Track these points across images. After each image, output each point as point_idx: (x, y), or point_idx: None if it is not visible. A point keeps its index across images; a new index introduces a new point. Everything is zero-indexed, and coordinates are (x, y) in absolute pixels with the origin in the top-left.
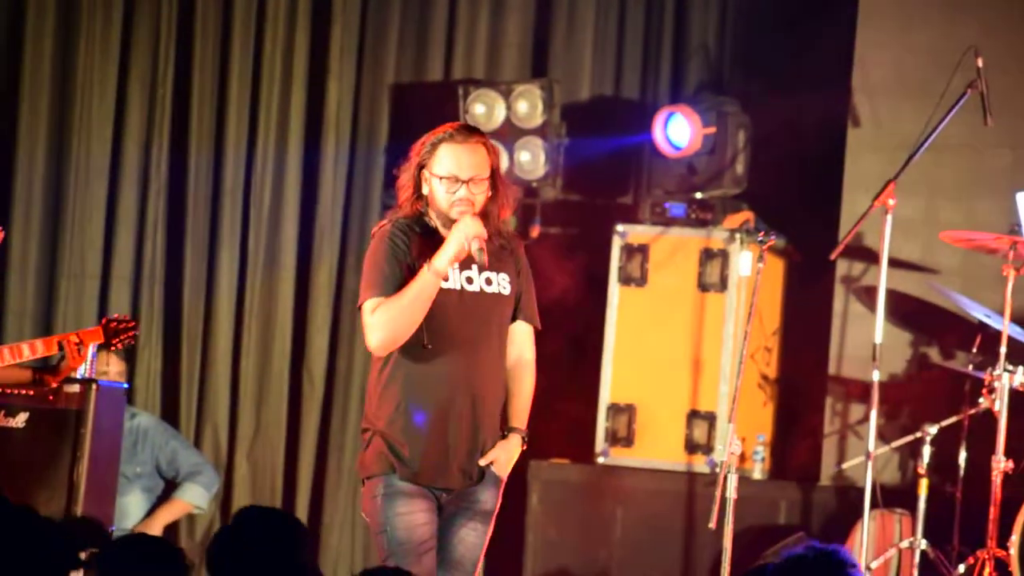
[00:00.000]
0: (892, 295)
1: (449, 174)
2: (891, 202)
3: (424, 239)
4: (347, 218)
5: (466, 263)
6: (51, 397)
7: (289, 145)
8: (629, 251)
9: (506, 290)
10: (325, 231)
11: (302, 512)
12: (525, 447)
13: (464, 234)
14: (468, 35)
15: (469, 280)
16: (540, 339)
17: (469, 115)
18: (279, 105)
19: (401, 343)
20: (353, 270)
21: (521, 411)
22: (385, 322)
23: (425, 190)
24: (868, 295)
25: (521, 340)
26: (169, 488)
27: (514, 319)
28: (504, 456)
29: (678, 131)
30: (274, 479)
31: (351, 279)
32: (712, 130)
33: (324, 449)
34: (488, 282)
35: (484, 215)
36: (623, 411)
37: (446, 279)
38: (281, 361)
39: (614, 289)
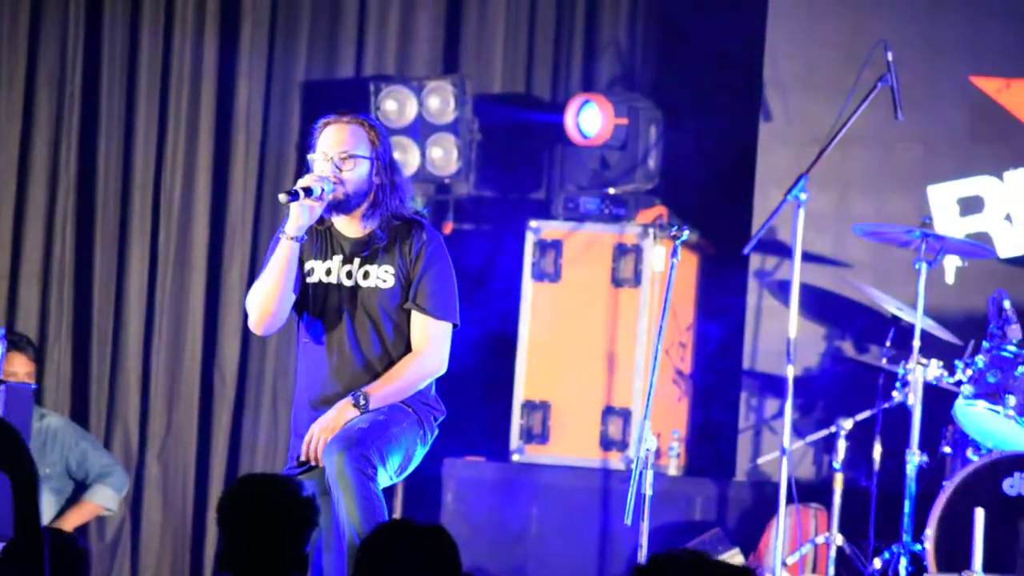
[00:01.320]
0: (805, 289)
1: (319, 152)
2: (803, 196)
3: (317, 231)
4: (258, 216)
5: (345, 258)
6: None
7: (199, 143)
8: (542, 247)
9: (386, 282)
10: (236, 229)
11: (214, 514)
12: (360, 409)
13: (299, 187)
14: (379, 30)
15: (348, 275)
16: (454, 335)
17: (381, 112)
18: (189, 103)
19: (272, 316)
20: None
21: (377, 382)
22: (251, 297)
23: None
24: (781, 289)
25: (414, 331)
26: (79, 490)
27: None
28: (314, 436)
29: (590, 120)
30: (185, 480)
31: None
32: (624, 121)
33: (236, 449)
34: (366, 276)
35: (374, 204)
36: (538, 408)
37: (324, 276)
38: (192, 360)
39: (527, 285)
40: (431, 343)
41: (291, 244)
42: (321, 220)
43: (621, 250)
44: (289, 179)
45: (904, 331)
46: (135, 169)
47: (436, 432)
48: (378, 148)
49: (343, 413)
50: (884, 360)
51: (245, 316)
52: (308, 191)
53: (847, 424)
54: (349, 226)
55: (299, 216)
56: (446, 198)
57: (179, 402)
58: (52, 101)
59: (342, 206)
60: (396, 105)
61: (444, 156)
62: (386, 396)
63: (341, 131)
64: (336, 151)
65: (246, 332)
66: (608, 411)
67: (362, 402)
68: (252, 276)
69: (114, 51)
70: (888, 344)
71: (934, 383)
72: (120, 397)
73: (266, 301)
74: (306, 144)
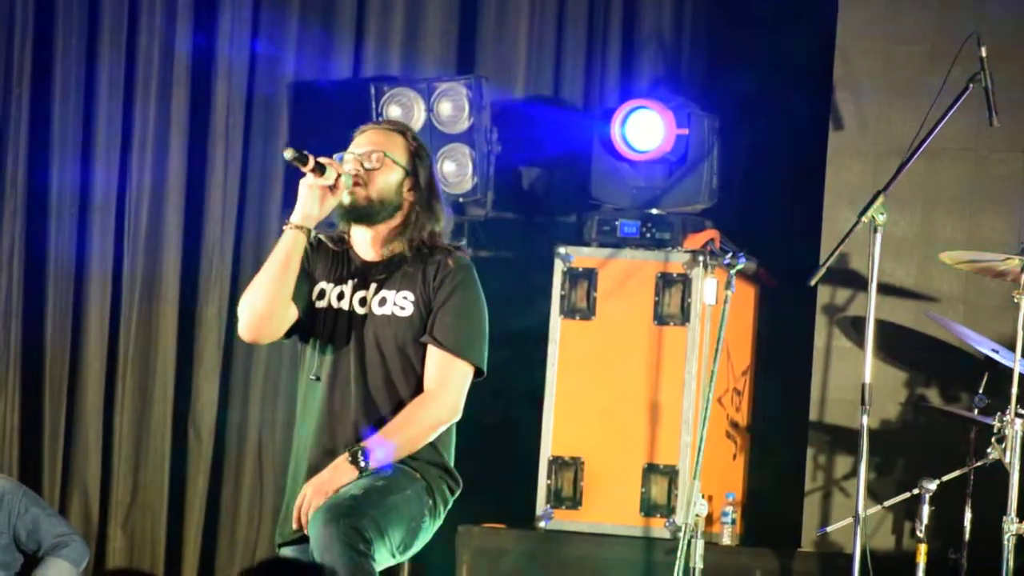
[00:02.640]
0: (883, 326)
1: (348, 153)
2: (880, 217)
3: (333, 252)
4: (239, 242)
5: (361, 282)
6: None
7: (171, 154)
8: (573, 277)
9: (404, 311)
10: (213, 258)
11: None
12: (359, 468)
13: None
14: (381, 23)
15: (362, 302)
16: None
17: (383, 118)
18: (158, 107)
19: (262, 319)
20: None
21: (380, 433)
22: (244, 296)
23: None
24: (855, 327)
25: (428, 368)
26: (29, 564)
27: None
28: (307, 499)
29: (643, 130)
30: (155, 553)
31: None
32: (685, 131)
33: (214, 518)
34: (382, 302)
35: (404, 224)
36: (568, 466)
37: (336, 301)
38: (162, 412)
39: (556, 322)
40: (445, 384)
41: (296, 234)
42: (340, 239)
43: (666, 281)
44: (276, 196)
45: (1000, 376)
46: (94, 187)
47: (449, 506)
48: (416, 162)
49: (339, 473)
50: (976, 411)
51: (225, 359)
52: (320, 166)
53: (932, 486)
54: (370, 247)
55: (306, 201)
56: (460, 220)
57: (147, 462)
58: None
59: (363, 213)
60: (401, 111)
61: (457, 171)
62: (393, 451)
63: (376, 133)
64: (366, 149)
65: (226, 378)
66: (650, 470)
67: (360, 460)
68: (233, 312)
69: (69, 48)
70: (981, 391)
71: None
72: (78, 456)
73: (260, 300)
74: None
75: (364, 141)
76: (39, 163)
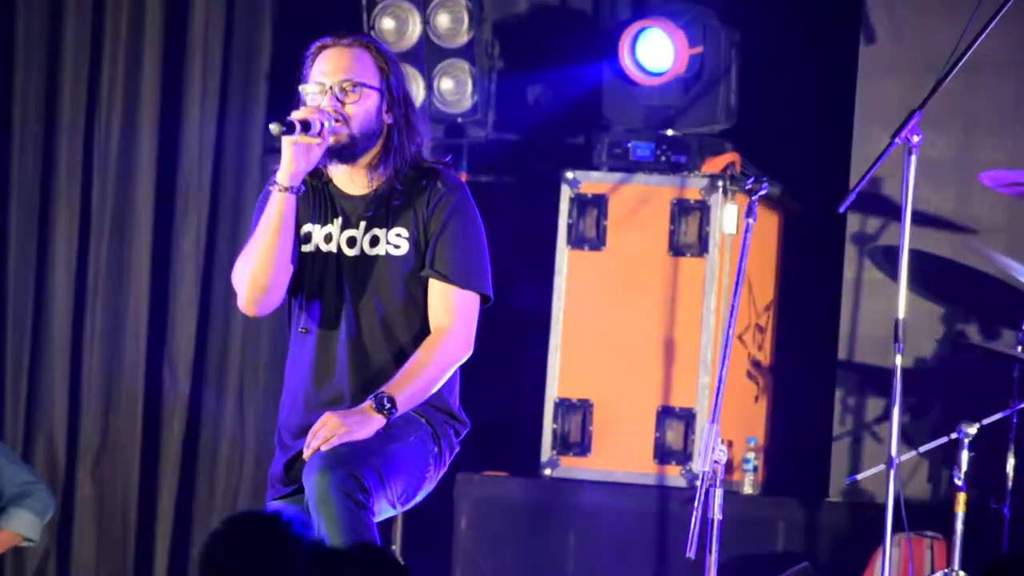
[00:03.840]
0: (918, 257)
1: (314, 82)
2: (916, 138)
3: (313, 187)
4: (218, 166)
5: (348, 221)
6: None
7: (143, 70)
8: (582, 204)
9: (399, 248)
10: (191, 182)
11: (162, 545)
12: (385, 417)
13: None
14: None
15: (351, 241)
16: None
17: (375, 32)
18: (129, 18)
19: (267, 292)
20: (227, 229)
21: (398, 378)
22: (239, 269)
23: None
24: (887, 258)
25: (433, 304)
26: None
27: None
28: (328, 427)
29: (654, 51)
30: (126, 503)
31: (224, 244)
32: (699, 50)
33: (192, 464)
34: (374, 242)
35: (385, 149)
36: (576, 409)
37: (324, 244)
38: (136, 350)
39: (563, 253)
40: (456, 318)
41: (286, 197)
42: (317, 173)
43: (682, 208)
44: (259, 115)
45: None
46: (61, 106)
47: (457, 450)
48: (389, 78)
49: (369, 420)
50: (1020, 348)
51: (203, 292)
52: (306, 125)
53: (972, 430)
54: (353, 180)
55: (294, 159)
56: (459, 142)
57: (118, 404)
58: None
59: (346, 152)
60: (395, 24)
61: (456, 89)
62: (414, 394)
63: (342, 56)
64: (336, 79)
65: (204, 312)
66: (665, 413)
67: (387, 405)
68: (212, 242)
69: None
70: None
71: None
72: (43, 398)
73: (259, 272)
74: (278, 73)
75: (331, 68)
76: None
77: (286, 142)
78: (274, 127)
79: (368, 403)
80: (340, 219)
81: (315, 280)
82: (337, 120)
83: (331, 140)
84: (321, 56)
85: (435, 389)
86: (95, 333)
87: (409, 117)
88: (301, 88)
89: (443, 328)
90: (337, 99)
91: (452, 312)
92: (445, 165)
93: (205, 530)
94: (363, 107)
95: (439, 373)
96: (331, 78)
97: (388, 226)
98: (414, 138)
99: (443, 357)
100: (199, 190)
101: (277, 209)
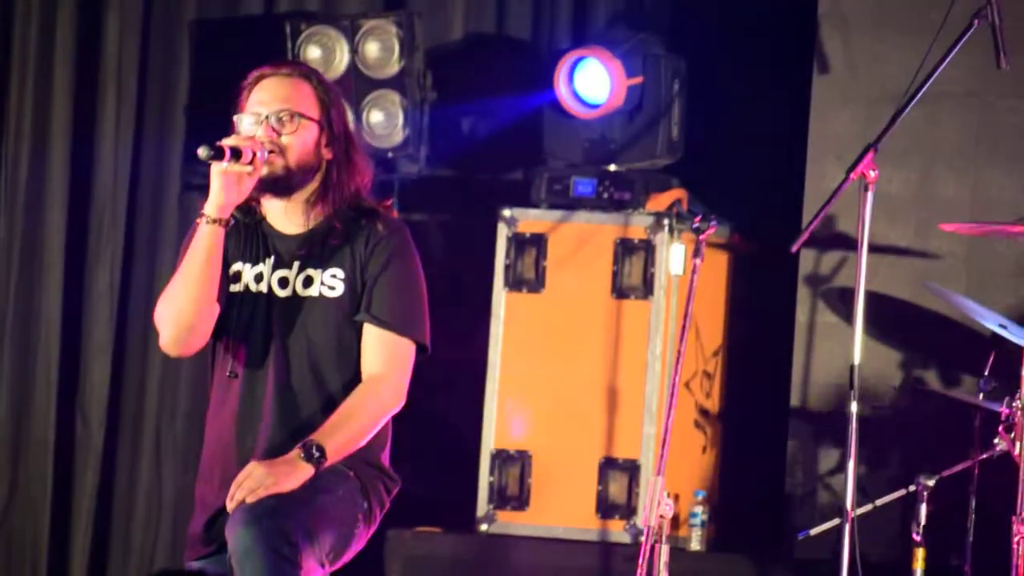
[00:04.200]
0: (875, 299)
1: (250, 112)
2: (872, 174)
3: (244, 225)
4: (133, 199)
5: (280, 260)
6: None
7: (54, 97)
8: (520, 244)
9: (333, 290)
10: (105, 214)
11: None
12: (314, 467)
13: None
14: None
15: (283, 282)
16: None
17: (301, 60)
18: (38, 49)
19: (192, 331)
20: (144, 267)
21: (327, 426)
22: (162, 305)
23: None
24: (843, 300)
25: (367, 350)
26: None
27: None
28: (253, 478)
29: (591, 83)
30: (36, 562)
31: (141, 282)
32: (638, 80)
33: (106, 517)
34: (307, 283)
35: (324, 186)
36: (514, 460)
37: (254, 284)
38: (45, 395)
39: (500, 296)
40: (390, 366)
41: (214, 230)
42: (250, 210)
43: (626, 248)
44: (177, 147)
45: (1009, 356)
46: None
47: (387, 507)
48: (330, 111)
49: (297, 470)
50: (981, 395)
51: (117, 335)
52: (236, 153)
53: (931, 482)
54: (288, 218)
55: (223, 189)
56: (389, 178)
57: (26, 454)
58: None
59: (280, 185)
60: (321, 52)
61: (386, 122)
62: (344, 444)
63: (281, 85)
64: (273, 108)
65: (119, 356)
66: (608, 464)
67: (316, 454)
68: (127, 281)
69: None
70: (987, 374)
71: None
72: None
73: (184, 308)
74: (197, 103)
75: (268, 97)
76: None
77: (215, 171)
78: (202, 151)
79: (296, 451)
80: (272, 258)
81: (243, 322)
82: (271, 151)
83: (264, 171)
84: (259, 85)
85: (366, 439)
86: (2, 378)
87: (350, 153)
88: (235, 117)
89: (376, 376)
90: (273, 129)
91: (386, 359)
92: (386, 207)
93: None
94: (300, 139)
95: (371, 423)
96: (268, 107)
97: (323, 266)
98: (354, 176)
99: (375, 406)
100: (113, 226)
101: (204, 243)
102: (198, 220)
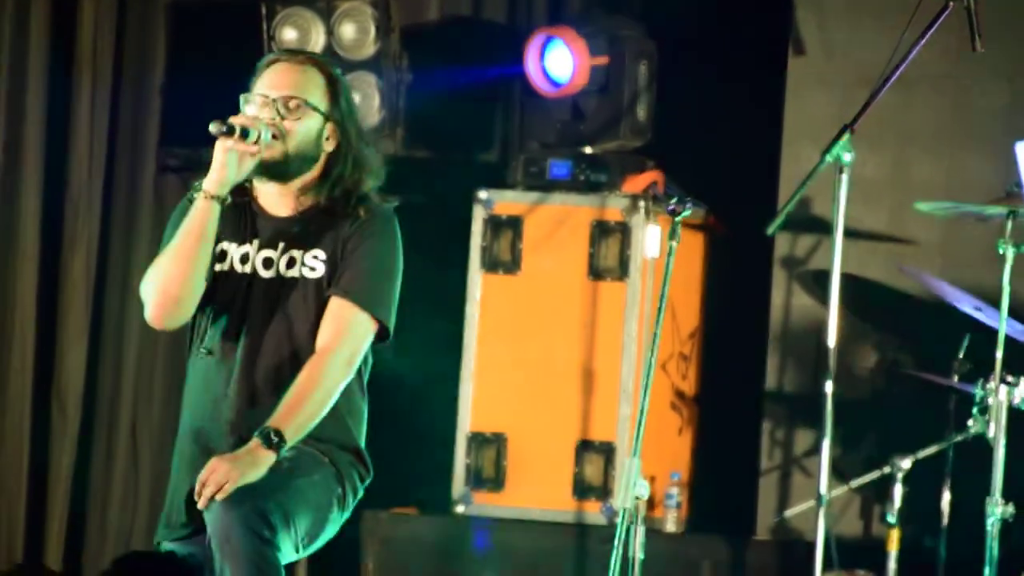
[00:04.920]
0: (850, 281)
1: (257, 94)
2: (848, 156)
3: (234, 204)
4: (109, 186)
5: (267, 241)
6: None
7: (28, 85)
8: (496, 226)
9: (314, 271)
10: (80, 203)
11: None
12: (275, 452)
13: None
14: None
15: (267, 263)
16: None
17: (276, 42)
18: (13, 31)
19: (177, 303)
20: (120, 252)
21: (282, 410)
22: (149, 278)
23: None
24: (818, 282)
25: (325, 321)
26: None
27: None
28: (218, 473)
29: (558, 62)
30: (12, 546)
31: (116, 267)
32: (604, 60)
33: (81, 503)
34: (290, 263)
35: (322, 177)
36: (489, 443)
37: (240, 264)
38: (21, 382)
39: (476, 278)
40: (342, 338)
41: (212, 205)
42: (243, 189)
43: (602, 230)
44: (153, 131)
45: (984, 338)
46: None
47: (360, 495)
48: (337, 105)
49: (259, 459)
50: (956, 377)
51: (93, 319)
52: (244, 132)
53: (906, 464)
54: (279, 202)
55: (225, 166)
56: None
57: (3, 440)
58: None
59: (277, 170)
60: (297, 34)
61: (362, 103)
62: (302, 424)
63: (291, 72)
64: (281, 93)
65: (94, 343)
66: (584, 446)
67: (274, 439)
68: (103, 266)
69: None
70: (962, 356)
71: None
72: None
73: (173, 280)
74: (174, 86)
75: (277, 82)
76: None
77: (220, 147)
78: (214, 126)
79: (255, 441)
80: (259, 239)
81: (225, 301)
82: (274, 135)
83: (264, 153)
84: (270, 69)
85: (323, 413)
86: None
87: (355, 148)
88: (242, 97)
89: (325, 348)
90: (278, 113)
91: (339, 329)
92: (383, 199)
93: (96, 573)
94: (303, 127)
95: (325, 397)
96: (275, 91)
97: (306, 248)
98: (356, 171)
99: (326, 381)
100: (88, 211)
101: (201, 217)
102: (196, 194)
